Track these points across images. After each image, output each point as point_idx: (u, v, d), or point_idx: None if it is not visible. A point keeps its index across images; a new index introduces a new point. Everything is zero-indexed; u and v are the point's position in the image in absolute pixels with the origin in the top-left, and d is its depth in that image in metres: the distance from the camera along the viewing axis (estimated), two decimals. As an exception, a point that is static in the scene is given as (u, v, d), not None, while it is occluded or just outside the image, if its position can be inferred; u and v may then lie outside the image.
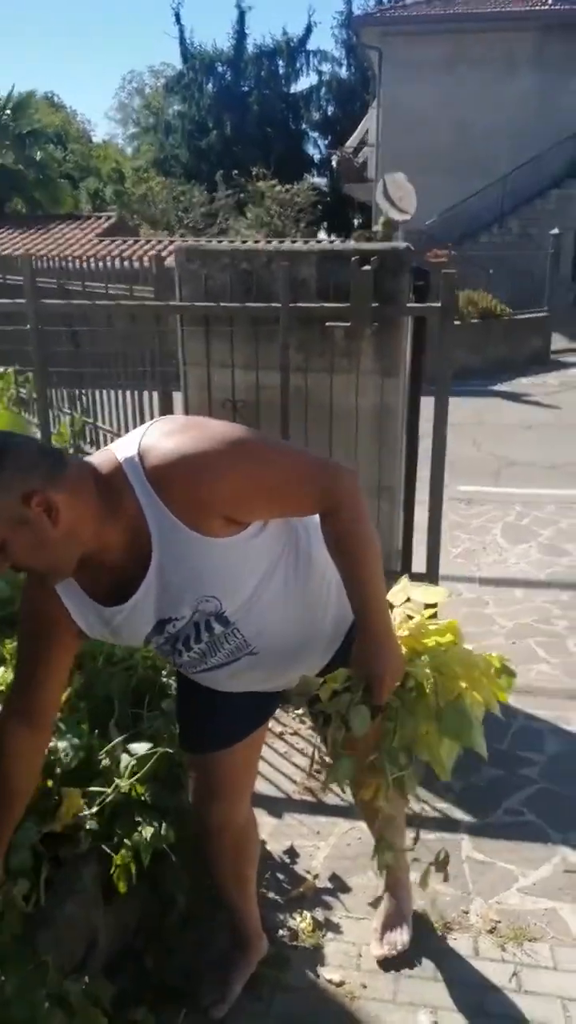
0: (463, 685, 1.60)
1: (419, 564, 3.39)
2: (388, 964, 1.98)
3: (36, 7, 67.23)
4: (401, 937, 2.02)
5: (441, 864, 1.80)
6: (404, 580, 1.70)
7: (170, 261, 3.75)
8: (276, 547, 1.50)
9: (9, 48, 69.03)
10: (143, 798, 1.85)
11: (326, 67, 33.13)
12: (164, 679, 2.30)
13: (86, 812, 1.79)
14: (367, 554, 1.48)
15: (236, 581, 1.44)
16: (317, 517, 1.50)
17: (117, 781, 1.84)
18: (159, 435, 1.36)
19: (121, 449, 1.37)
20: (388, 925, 2.05)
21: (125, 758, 1.89)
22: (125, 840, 1.77)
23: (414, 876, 2.02)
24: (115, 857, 1.74)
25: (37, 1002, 1.24)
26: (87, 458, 1.41)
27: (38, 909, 1.58)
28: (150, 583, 1.38)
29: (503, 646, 3.72)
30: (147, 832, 1.79)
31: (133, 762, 1.89)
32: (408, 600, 1.67)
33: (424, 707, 1.59)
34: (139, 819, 1.81)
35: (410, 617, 1.65)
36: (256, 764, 1.90)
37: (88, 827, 1.77)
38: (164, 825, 1.82)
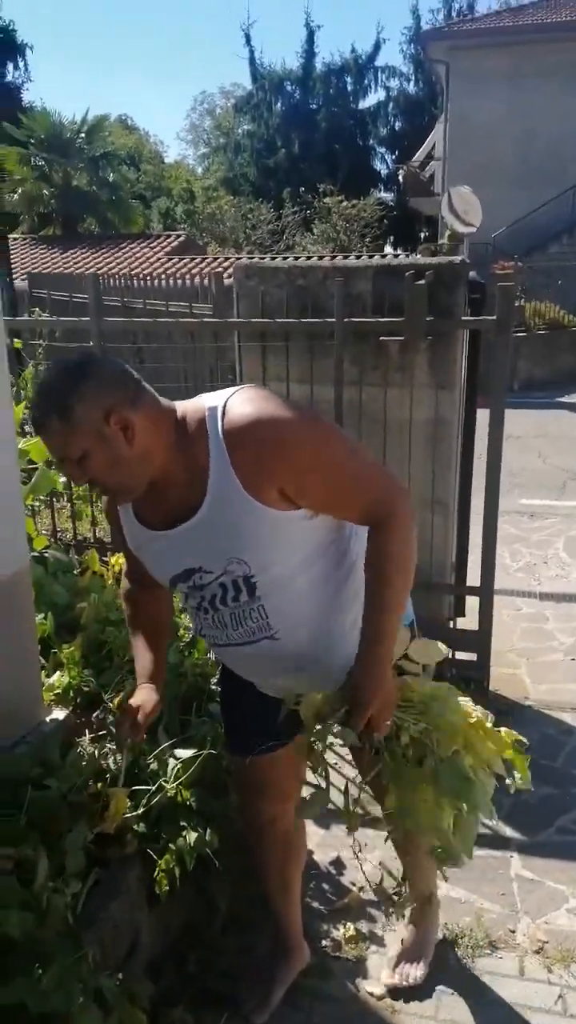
0: (462, 743, 1.53)
1: (474, 578, 3.36)
2: (428, 980, 1.96)
3: (111, 32, 69.57)
4: (415, 972, 1.96)
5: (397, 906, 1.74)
6: (404, 633, 1.57)
7: (230, 279, 3.85)
8: (323, 538, 1.52)
9: (85, 72, 71.57)
10: (189, 803, 1.89)
11: (394, 83, 33.25)
12: (212, 687, 2.34)
13: (132, 815, 1.83)
14: (398, 581, 1.48)
15: (271, 553, 1.46)
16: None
17: (163, 784, 1.88)
18: (247, 397, 1.42)
19: (209, 400, 1.44)
20: (405, 957, 2.00)
21: (172, 762, 1.94)
22: (170, 844, 1.82)
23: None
24: (159, 861, 1.78)
25: (74, 994, 1.28)
26: (178, 402, 1.48)
27: (83, 909, 1.63)
28: (192, 526, 1.44)
29: (562, 662, 3.64)
30: (191, 837, 1.83)
31: (179, 766, 1.93)
32: (405, 656, 1.58)
33: (417, 772, 1.53)
34: (184, 823, 1.85)
35: (401, 673, 1.58)
36: (302, 769, 1.90)
37: (135, 828, 1.81)
38: (208, 830, 1.86)
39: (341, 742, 1.52)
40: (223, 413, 1.39)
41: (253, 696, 1.71)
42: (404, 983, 1.95)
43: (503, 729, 1.63)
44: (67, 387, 1.34)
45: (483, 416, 3.20)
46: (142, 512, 1.52)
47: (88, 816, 1.78)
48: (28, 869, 1.56)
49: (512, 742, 1.61)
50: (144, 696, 1.70)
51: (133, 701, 1.69)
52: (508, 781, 1.62)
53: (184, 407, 1.45)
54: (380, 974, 1.98)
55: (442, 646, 1.62)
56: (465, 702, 1.61)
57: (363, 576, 1.53)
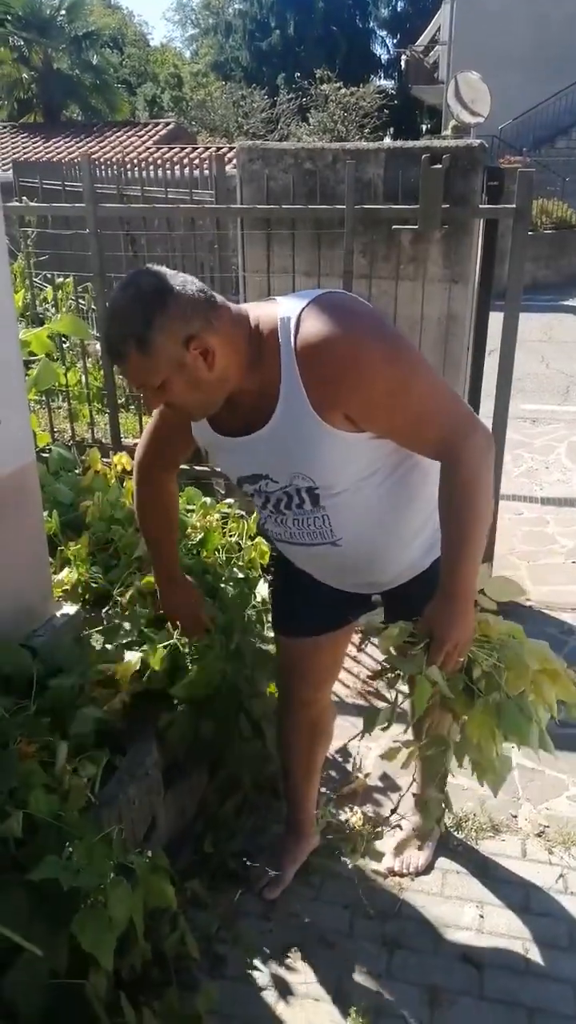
0: (530, 683, 1.54)
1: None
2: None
3: None
4: (416, 860, 2.02)
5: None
6: (484, 569, 1.55)
7: (231, 167, 3.63)
8: (388, 455, 1.48)
9: (64, -56, 66.00)
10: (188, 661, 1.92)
11: (397, -44, 30.94)
12: (222, 584, 2.32)
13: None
14: (473, 518, 1.43)
15: (336, 472, 1.44)
16: None
17: (173, 639, 1.91)
18: (323, 309, 1.34)
19: (284, 307, 1.37)
20: (408, 845, 2.05)
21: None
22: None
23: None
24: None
25: (104, 870, 1.31)
26: (250, 305, 1.42)
27: (102, 793, 1.67)
28: (259, 438, 1.42)
29: (563, 565, 3.66)
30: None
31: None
32: (482, 591, 1.56)
33: (480, 705, 1.53)
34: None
35: (482, 609, 1.57)
36: (342, 657, 1.96)
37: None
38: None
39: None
40: (296, 326, 1.33)
41: (307, 581, 1.72)
42: (405, 871, 2.01)
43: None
44: (145, 316, 1.27)
45: (494, 318, 3.09)
46: (214, 419, 1.48)
47: (99, 698, 1.81)
48: (47, 754, 1.58)
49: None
50: (185, 594, 1.89)
51: (175, 602, 1.87)
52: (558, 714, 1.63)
53: (257, 314, 1.38)
54: (388, 851, 2.06)
55: (517, 587, 1.62)
56: (540, 645, 1.58)
57: (430, 487, 1.51)
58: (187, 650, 1.93)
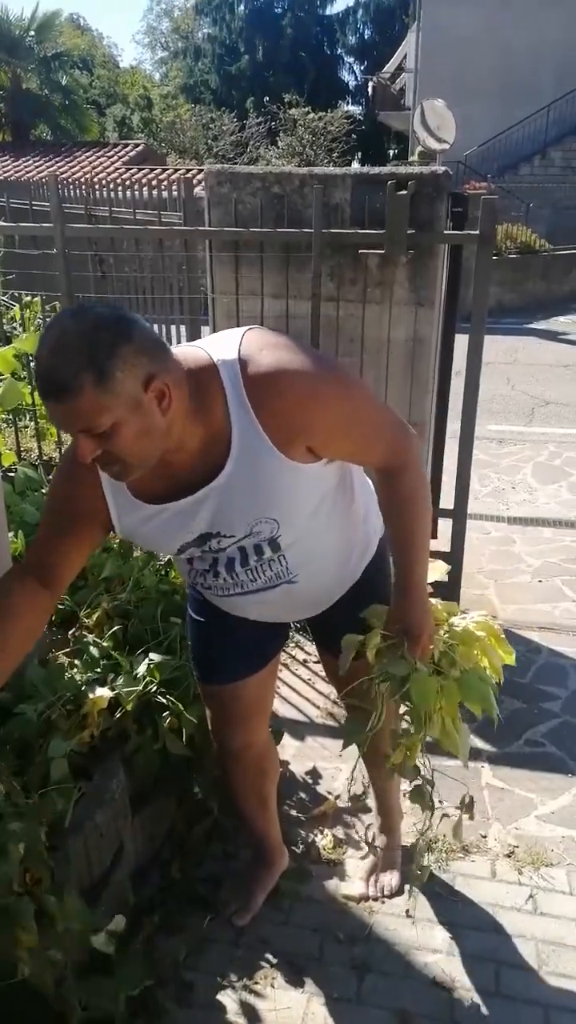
0: (477, 653, 1.65)
1: (447, 501, 3.36)
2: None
3: None
4: (391, 881, 2.01)
5: (467, 808, 1.82)
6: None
7: (199, 190, 3.65)
8: (336, 478, 1.49)
9: (34, -34, 66.29)
10: (167, 702, 1.89)
11: (364, -13, 31.56)
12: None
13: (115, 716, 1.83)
14: (421, 519, 1.52)
15: (298, 507, 1.41)
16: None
17: (138, 676, 1.89)
18: (262, 346, 1.29)
19: (215, 350, 1.29)
20: (381, 867, 2.04)
21: (145, 663, 1.93)
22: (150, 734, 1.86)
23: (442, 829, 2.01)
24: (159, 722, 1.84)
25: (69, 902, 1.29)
26: (175, 349, 1.30)
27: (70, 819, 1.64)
28: (210, 492, 1.33)
29: (529, 584, 3.71)
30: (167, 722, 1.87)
31: (153, 666, 1.92)
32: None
33: (444, 683, 1.60)
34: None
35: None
36: (272, 691, 1.91)
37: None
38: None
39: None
40: (241, 365, 1.26)
41: (230, 624, 1.66)
42: (380, 894, 1.99)
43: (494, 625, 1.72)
44: (110, 345, 1.13)
45: (460, 340, 3.14)
46: (138, 486, 1.35)
47: (67, 730, 1.78)
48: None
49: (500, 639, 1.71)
50: None
51: None
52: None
53: (185, 359, 1.27)
54: (356, 878, 2.04)
55: (441, 564, 1.74)
56: (478, 614, 1.70)
57: (356, 500, 1.58)
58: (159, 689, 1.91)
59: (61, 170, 16.35)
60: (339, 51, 32.37)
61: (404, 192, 2.93)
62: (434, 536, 3.54)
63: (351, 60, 32.71)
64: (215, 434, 1.28)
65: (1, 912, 1.31)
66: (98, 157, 17.96)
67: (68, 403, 1.13)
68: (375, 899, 1.99)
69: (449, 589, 3.34)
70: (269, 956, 1.82)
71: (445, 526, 3.38)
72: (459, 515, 3.27)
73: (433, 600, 1.66)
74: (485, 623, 1.69)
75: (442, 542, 3.38)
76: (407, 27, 22.73)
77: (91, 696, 1.82)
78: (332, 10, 32.31)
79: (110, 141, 22.12)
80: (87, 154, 18.22)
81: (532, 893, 2.01)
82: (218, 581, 1.52)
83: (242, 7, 31.02)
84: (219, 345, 1.30)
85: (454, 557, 3.30)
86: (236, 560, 1.45)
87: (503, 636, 1.70)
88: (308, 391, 1.28)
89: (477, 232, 2.97)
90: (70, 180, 5.07)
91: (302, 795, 2.31)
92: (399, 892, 2.01)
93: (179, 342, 3.74)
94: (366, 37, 31.97)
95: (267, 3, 31.05)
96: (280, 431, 1.29)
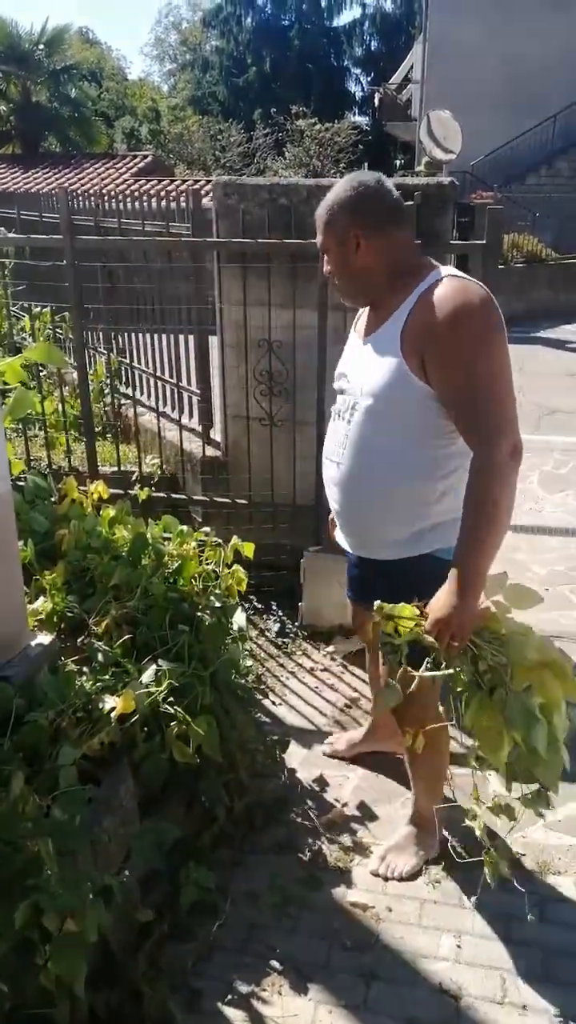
0: (535, 679, 1.57)
1: (454, 508, 3.37)
2: (411, 891, 2.03)
3: None
4: (401, 866, 2.07)
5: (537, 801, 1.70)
6: (503, 576, 1.66)
7: (207, 201, 3.69)
8: (430, 429, 1.69)
9: (44, -19, 66.99)
10: (173, 710, 1.90)
11: (370, -1, 31.79)
12: (199, 612, 2.33)
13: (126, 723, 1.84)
14: (481, 514, 1.57)
15: (381, 397, 1.71)
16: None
17: (147, 689, 1.89)
18: (463, 283, 1.65)
19: (444, 269, 1.72)
20: (396, 848, 2.12)
21: (151, 670, 1.94)
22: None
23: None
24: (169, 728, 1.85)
25: (83, 893, 1.30)
26: (430, 259, 1.78)
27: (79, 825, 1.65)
28: (364, 343, 1.81)
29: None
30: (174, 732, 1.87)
31: (162, 671, 1.93)
32: (498, 597, 1.65)
33: (487, 700, 1.58)
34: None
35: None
36: None
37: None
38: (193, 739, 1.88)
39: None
40: (437, 279, 1.66)
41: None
42: (388, 874, 2.05)
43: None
44: (338, 196, 1.75)
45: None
46: (363, 324, 1.87)
47: (77, 737, 1.79)
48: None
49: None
50: None
51: None
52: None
53: (427, 263, 1.75)
54: (367, 884, 2.05)
55: (535, 594, 1.65)
56: (543, 640, 1.62)
57: (450, 486, 1.73)
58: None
59: (70, 182, 16.49)
60: (346, 62, 32.57)
61: (410, 203, 2.95)
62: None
63: (358, 71, 32.91)
64: (397, 305, 1.70)
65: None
66: (107, 169, 18.08)
67: (318, 225, 1.81)
68: (385, 878, 2.04)
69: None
70: (276, 963, 1.83)
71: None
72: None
73: (502, 614, 1.61)
74: (542, 647, 1.57)
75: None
76: (413, 38, 22.89)
77: (106, 702, 1.84)
78: (339, 22, 32.27)
79: (118, 153, 22.27)
80: (95, 166, 18.35)
81: (539, 901, 2.00)
82: (333, 426, 1.88)
83: (250, 20, 31.29)
84: (450, 270, 1.73)
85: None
86: (341, 410, 1.84)
87: (570, 669, 1.58)
88: (450, 319, 1.59)
89: (483, 242, 2.99)
90: (79, 192, 5.12)
91: (309, 803, 2.32)
92: (410, 877, 2.04)
93: (187, 352, 3.78)
94: (373, 48, 32.17)
95: (274, 16, 31.33)
96: (409, 328, 1.66)
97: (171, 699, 1.92)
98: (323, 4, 31.71)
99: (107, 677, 1.96)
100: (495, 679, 1.56)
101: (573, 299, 12.52)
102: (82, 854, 1.46)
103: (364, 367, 1.77)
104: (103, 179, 16.88)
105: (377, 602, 1.65)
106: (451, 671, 1.61)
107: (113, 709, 1.81)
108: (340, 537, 2.00)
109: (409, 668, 1.60)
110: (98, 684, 1.92)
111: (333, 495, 1.90)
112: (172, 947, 1.80)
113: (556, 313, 11.86)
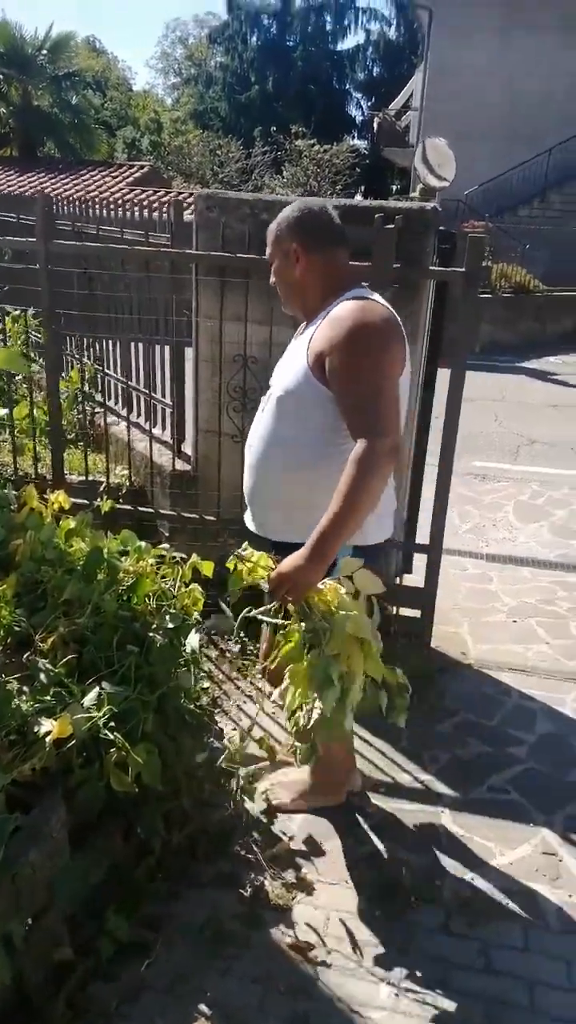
0: (343, 651, 1.74)
1: (423, 537, 3.32)
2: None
3: (82, -53, 65.22)
4: (284, 798, 2.34)
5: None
6: (356, 562, 1.81)
7: (188, 215, 3.65)
8: (329, 428, 1.89)
9: (52, -12, 67.17)
10: (114, 737, 1.82)
11: (374, 26, 32.34)
12: (151, 632, 2.25)
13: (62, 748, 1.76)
14: (346, 496, 1.74)
15: (288, 391, 1.96)
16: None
17: (88, 714, 1.81)
18: (372, 305, 1.92)
19: (361, 292, 1.98)
20: (283, 786, 2.38)
21: (92, 694, 1.86)
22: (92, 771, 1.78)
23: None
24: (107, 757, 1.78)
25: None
26: (357, 281, 2.06)
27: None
28: (293, 341, 2.12)
29: (504, 624, 3.66)
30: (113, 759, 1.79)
31: (104, 694, 1.85)
32: (349, 577, 1.80)
33: (304, 657, 1.77)
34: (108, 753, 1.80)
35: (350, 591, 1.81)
36: None
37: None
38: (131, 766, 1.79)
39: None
40: (347, 298, 1.93)
41: None
42: (272, 799, 2.31)
43: (398, 670, 1.86)
44: (286, 215, 2.02)
45: (442, 376, 3.13)
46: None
47: (9, 761, 1.71)
48: None
49: (396, 683, 1.85)
50: None
51: None
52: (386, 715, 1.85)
53: (352, 284, 2.02)
54: (309, 923, 1.97)
55: (378, 583, 1.82)
56: (372, 626, 1.79)
57: (332, 479, 1.81)
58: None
59: (66, 187, 16.46)
60: (348, 86, 32.92)
61: (391, 226, 2.93)
62: (408, 571, 3.50)
63: (359, 95, 33.27)
64: (317, 316, 1.98)
65: None
66: (103, 176, 18.08)
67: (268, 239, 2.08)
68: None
69: (421, 625, 3.30)
70: (205, 1007, 1.75)
71: (420, 561, 3.34)
72: (434, 548, 3.23)
73: (343, 588, 1.78)
74: (361, 625, 1.74)
75: (417, 577, 3.34)
76: (415, 66, 23.16)
77: (42, 725, 1.75)
78: (343, 46, 32.60)
79: (116, 162, 22.29)
80: (92, 173, 18.35)
81: (484, 948, 1.94)
82: (256, 416, 2.12)
83: (255, 39, 31.59)
84: (365, 292, 1.99)
85: (427, 593, 3.26)
86: (263, 402, 2.10)
87: (378, 652, 1.78)
88: (346, 335, 1.84)
89: (463, 270, 2.96)
90: (65, 197, 5.07)
91: (255, 835, 2.24)
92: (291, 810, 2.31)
93: (163, 364, 3.72)
94: (375, 74, 32.55)
95: (279, 36, 31.63)
96: (316, 341, 1.91)
97: (112, 724, 1.83)
98: (328, 28, 32.13)
99: (48, 698, 1.88)
100: (314, 640, 1.75)
101: (559, 331, 12.63)
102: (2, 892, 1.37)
103: (284, 366, 2.05)
104: (99, 187, 16.88)
105: (244, 544, 1.99)
106: (286, 622, 1.82)
107: (49, 732, 1.73)
108: (247, 517, 2.19)
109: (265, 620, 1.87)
110: (37, 705, 1.84)
111: (246, 476, 2.15)
112: (96, 987, 1.72)
113: (542, 344, 11.95)
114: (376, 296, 2.00)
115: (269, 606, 1.87)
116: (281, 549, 1.97)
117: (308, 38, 31.53)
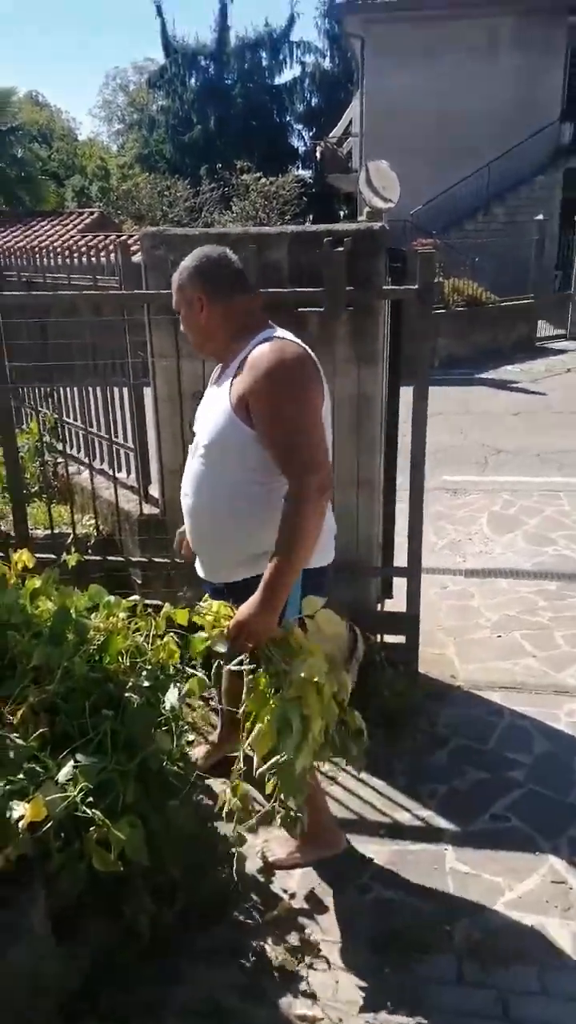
0: (302, 694, 1.74)
1: (401, 559, 3.25)
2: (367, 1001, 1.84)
3: (18, 3, 66.23)
4: (279, 853, 2.25)
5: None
6: (317, 601, 1.85)
7: (139, 257, 3.60)
8: (255, 468, 1.91)
9: (-11, 45, 67.95)
10: (90, 814, 1.70)
11: (309, 58, 32.79)
12: (127, 693, 2.14)
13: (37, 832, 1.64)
14: (291, 541, 1.78)
15: (216, 438, 1.97)
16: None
17: (65, 793, 1.69)
18: (287, 343, 1.93)
19: (276, 331, 2.00)
20: (280, 840, 2.27)
21: (66, 769, 1.74)
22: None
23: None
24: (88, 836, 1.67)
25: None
26: (270, 323, 2.06)
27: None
28: (212, 388, 2.10)
29: (489, 639, 3.59)
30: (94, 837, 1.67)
31: (78, 772, 1.74)
32: (311, 616, 1.83)
33: (268, 701, 1.78)
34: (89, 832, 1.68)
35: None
36: None
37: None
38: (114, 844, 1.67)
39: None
40: (262, 339, 1.93)
41: None
42: (268, 856, 2.23)
43: (356, 713, 1.90)
44: (187, 265, 2.04)
45: (405, 393, 3.08)
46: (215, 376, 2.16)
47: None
48: None
49: (354, 727, 1.89)
50: None
51: None
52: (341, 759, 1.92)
53: (263, 324, 2.02)
54: (315, 991, 1.85)
55: (341, 626, 1.87)
56: (320, 667, 1.77)
57: (269, 517, 1.85)
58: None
59: (16, 239, 16.46)
60: (288, 118, 33.35)
61: (340, 249, 2.89)
62: (389, 595, 3.42)
63: (300, 127, 33.71)
64: (231, 361, 1.98)
65: None
66: (53, 226, 18.13)
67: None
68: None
69: (407, 651, 3.21)
70: None
71: (400, 583, 3.26)
72: (413, 575, 3.15)
73: (301, 632, 1.81)
74: (319, 668, 1.74)
75: (398, 601, 3.26)
76: (352, 93, 23.60)
77: (14, 810, 1.63)
78: (280, 80, 32.96)
79: (66, 210, 22.37)
80: (42, 223, 18.39)
81: (500, 995, 1.83)
82: (187, 464, 2.12)
83: (193, 80, 31.93)
84: (280, 332, 2.00)
85: (410, 619, 3.17)
86: (192, 450, 2.09)
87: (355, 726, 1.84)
88: (265, 376, 1.85)
89: (415, 287, 2.93)
90: (16, 249, 5.01)
91: (253, 896, 2.12)
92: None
93: (122, 406, 3.64)
94: (313, 104, 33.02)
95: (217, 75, 32.01)
96: (237, 385, 1.91)
97: (90, 799, 1.72)
98: (264, 63, 32.56)
99: (19, 777, 1.76)
100: (277, 683, 1.77)
101: (513, 339, 12.77)
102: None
103: (206, 413, 2.04)
104: (50, 236, 16.90)
105: (205, 597, 2.05)
106: (253, 667, 1.83)
107: (22, 817, 1.62)
108: (197, 565, 2.23)
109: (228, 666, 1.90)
110: (8, 787, 1.72)
111: (187, 525, 2.17)
112: None
113: (498, 354, 12.06)
114: (286, 333, 2.00)
115: (229, 654, 1.90)
116: (234, 589, 2.02)
117: (245, 75, 31.96)
